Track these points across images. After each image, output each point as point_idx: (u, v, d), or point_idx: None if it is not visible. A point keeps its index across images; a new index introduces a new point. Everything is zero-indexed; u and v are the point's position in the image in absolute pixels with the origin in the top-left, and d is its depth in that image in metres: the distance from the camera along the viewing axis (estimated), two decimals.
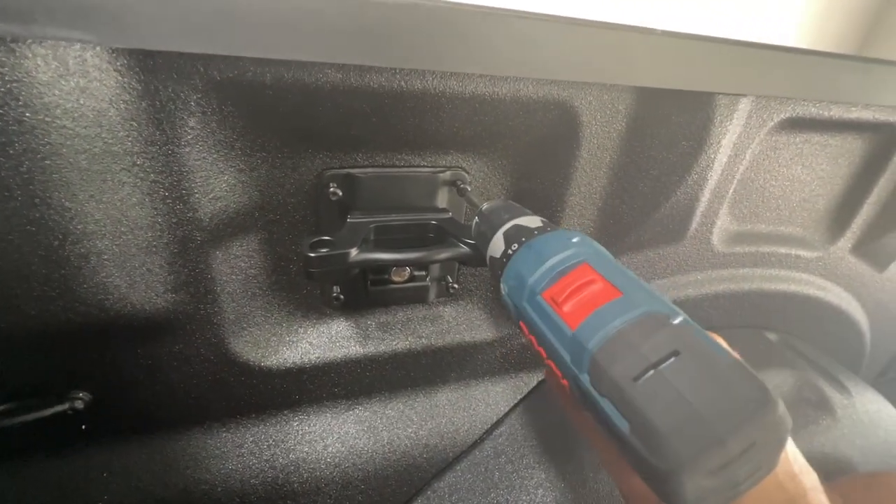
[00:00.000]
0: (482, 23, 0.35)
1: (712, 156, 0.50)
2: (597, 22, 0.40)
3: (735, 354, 0.20)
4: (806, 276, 0.73)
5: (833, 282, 0.76)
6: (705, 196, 0.56)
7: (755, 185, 0.62)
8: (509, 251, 0.29)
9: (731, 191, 0.58)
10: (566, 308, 0.23)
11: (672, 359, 0.19)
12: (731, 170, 0.56)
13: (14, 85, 0.27)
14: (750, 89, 0.48)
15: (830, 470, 0.59)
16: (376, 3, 0.32)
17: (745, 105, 0.49)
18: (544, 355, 0.24)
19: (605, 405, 0.19)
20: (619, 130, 0.48)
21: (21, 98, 0.28)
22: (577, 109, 0.45)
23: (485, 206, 0.35)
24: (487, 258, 0.32)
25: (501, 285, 0.28)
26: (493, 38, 0.37)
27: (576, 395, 0.22)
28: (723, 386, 0.18)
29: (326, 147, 0.43)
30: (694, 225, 0.59)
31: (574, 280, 0.23)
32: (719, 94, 0.46)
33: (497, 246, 0.30)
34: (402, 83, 0.38)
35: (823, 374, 0.71)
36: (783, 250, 0.69)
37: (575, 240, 0.26)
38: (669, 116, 0.47)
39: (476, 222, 0.35)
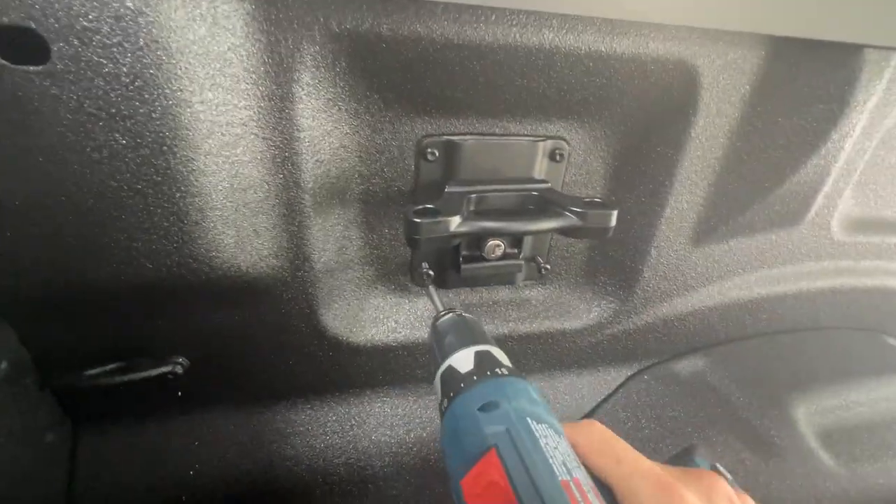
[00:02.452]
0: None
1: (854, 122, 0.44)
2: None
3: None
4: None
5: None
6: (834, 172, 0.49)
7: (886, 164, 0.55)
8: (443, 406, 0.25)
9: (859, 169, 0.52)
10: None
11: None
12: (862, 143, 0.49)
13: (154, 28, 0.27)
14: None
15: None
16: None
17: (895, 62, 0.42)
18: None
19: None
20: (743, 94, 0.43)
21: (160, 41, 0.28)
22: (699, 69, 0.41)
23: (438, 321, 0.31)
24: None
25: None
26: None
27: None
28: None
29: (427, 112, 0.41)
30: (815, 207, 0.53)
31: (480, 473, 0.20)
32: (868, 46, 0.40)
33: (438, 390, 0.26)
34: (518, 35, 0.36)
35: None
36: None
37: (484, 406, 0.22)
38: (803, 75, 0.42)
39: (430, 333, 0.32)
